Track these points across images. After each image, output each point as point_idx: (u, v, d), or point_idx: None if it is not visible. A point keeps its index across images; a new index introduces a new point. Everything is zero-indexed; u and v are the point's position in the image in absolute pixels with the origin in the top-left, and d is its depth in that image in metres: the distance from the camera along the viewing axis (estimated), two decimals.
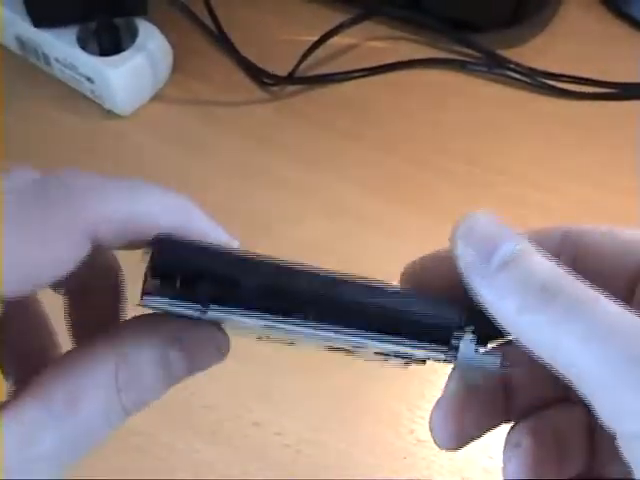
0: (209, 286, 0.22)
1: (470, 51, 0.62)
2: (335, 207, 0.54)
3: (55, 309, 0.26)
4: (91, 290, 0.25)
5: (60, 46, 0.56)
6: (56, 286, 0.25)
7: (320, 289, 0.23)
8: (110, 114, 0.58)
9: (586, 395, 0.20)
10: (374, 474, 0.44)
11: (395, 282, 0.25)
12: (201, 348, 0.23)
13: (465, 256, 0.22)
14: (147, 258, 0.22)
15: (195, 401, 0.46)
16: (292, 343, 0.26)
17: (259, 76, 0.60)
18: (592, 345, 0.20)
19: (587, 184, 0.55)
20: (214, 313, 0.22)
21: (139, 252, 0.23)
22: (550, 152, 0.57)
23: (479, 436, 0.26)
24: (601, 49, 0.63)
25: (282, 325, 0.23)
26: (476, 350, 0.23)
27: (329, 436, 0.45)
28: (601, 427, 0.20)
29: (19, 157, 0.52)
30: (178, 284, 0.22)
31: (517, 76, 0.61)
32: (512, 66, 0.61)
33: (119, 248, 0.23)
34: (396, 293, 0.23)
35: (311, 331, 0.23)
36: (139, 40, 0.56)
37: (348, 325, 0.23)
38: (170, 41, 0.58)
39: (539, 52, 0.63)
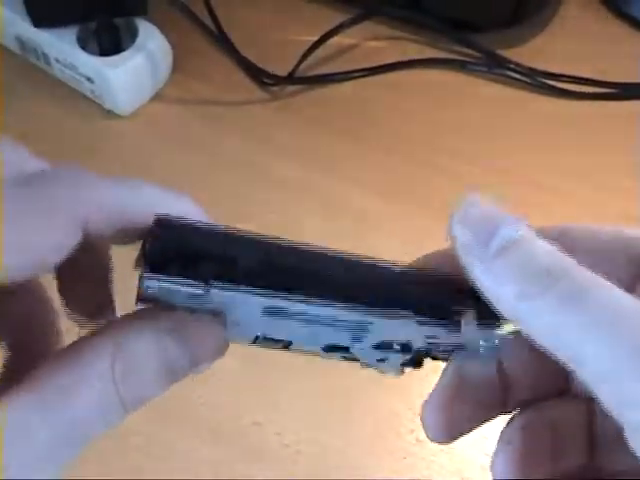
0: (211, 264, 0.22)
1: (470, 51, 0.62)
2: (335, 207, 0.54)
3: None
4: (81, 274, 0.25)
5: (60, 46, 0.56)
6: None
7: (322, 265, 0.23)
8: (110, 114, 0.58)
9: (590, 384, 0.20)
10: (374, 474, 0.44)
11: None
12: (200, 340, 0.22)
13: (462, 239, 0.22)
14: (143, 244, 0.22)
15: (195, 401, 0.46)
16: (286, 347, 0.25)
17: (259, 76, 0.60)
18: (596, 333, 0.19)
19: (587, 184, 0.55)
20: (216, 292, 0.22)
21: (135, 253, 0.23)
22: (550, 152, 0.57)
23: (473, 429, 0.25)
24: (601, 49, 0.63)
25: (284, 303, 0.22)
26: (478, 325, 0.23)
27: (329, 436, 0.45)
28: (601, 419, 0.20)
29: None
30: (179, 263, 0.22)
31: (517, 76, 0.61)
32: (512, 66, 0.61)
33: (112, 240, 0.23)
34: (401, 272, 0.23)
35: (314, 308, 0.23)
36: (139, 40, 0.56)
37: (352, 301, 0.23)
38: (170, 41, 0.58)
39: (539, 52, 0.63)
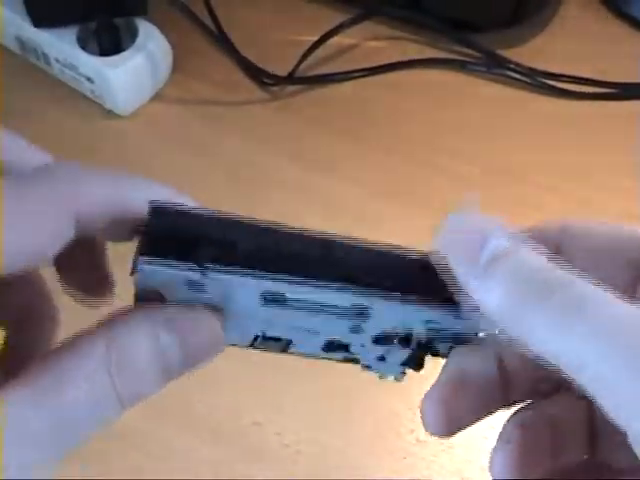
0: (207, 247, 0.22)
1: (470, 51, 0.62)
2: (335, 207, 0.54)
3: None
4: (77, 265, 0.25)
5: (60, 46, 0.56)
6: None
7: (320, 248, 0.23)
8: (110, 114, 0.58)
9: (591, 394, 0.20)
10: (374, 474, 0.44)
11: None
12: (194, 333, 0.22)
13: (452, 253, 0.22)
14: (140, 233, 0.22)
15: (195, 401, 0.46)
16: (286, 349, 0.25)
17: (259, 76, 0.60)
18: (595, 342, 0.19)
19: (587, 184, 0.55)
20: (213, 276, 0.22)
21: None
22: (550, 152, 0.57)
23: (473, 423, 0.25)
24: (601, 49, 0.63)
25: (282, 286, 0.22)
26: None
27: (329, 436, 0.45)
28: (602, 415, 0.20)
29: None
30: (175, 247, 0.22)
31: (517, 76, 0.61)
32: (512, 66, 0.61)
33: (108, 235, 0.23)
34: (400, 255, 0.24)
35: (312, 291, 0.23)
36: (139, 40, 0.56)
37: (351, 283, 0.23)
38: (170, 41, 0.58)
39: (539, 52, 0.63)
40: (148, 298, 0.22)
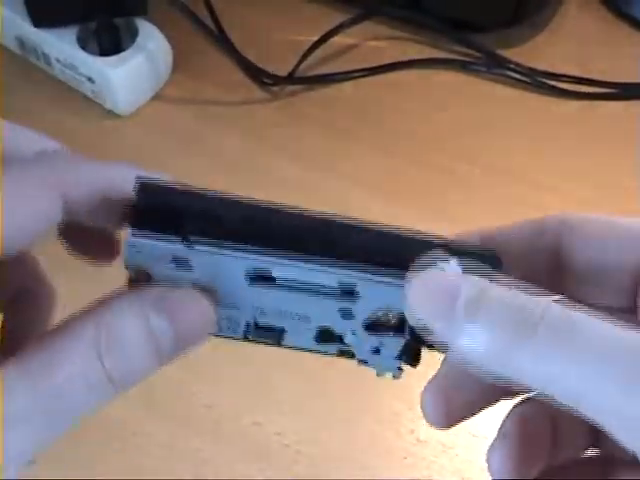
0: (193, 221, 0.22)
1: (470, 51, 0.62)
2: (335, 207, 0.53)
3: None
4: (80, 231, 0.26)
5: (60, 46, 0.56)
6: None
7: (307, 225, 0.23)
8: (110, 114, 0.58)
9: (593, 420, 0.20)
10: (374, 474, 0.44)
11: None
12: (184, 312, 0.22)
13: (426, 311, 0.21)
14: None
15: (195, 401, 0.46)
16: (279, 341, 0.25)
17: (259, 76, 0.60)
18: (587, 371, 0.19)
19: (587, 184, 0.55)
20: (199, 248, 0.22)
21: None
22: (550, 152, 0.57)
23: (474, 414, 0.25)
24: (601, 49, 0.63)
25: (268, 262, 0.23)
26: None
27: (329, 436, 0.45)
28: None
29: None
30: (162, 221, 0.22)
31: (517, 76, 0.61)
32: (512, 66, 0.61)
33: (95, 220, 0.23)
34: (384, 232, 0.23)
35: (298, 268, 0.23)
36: (139, 40, 0.56)
37: (338, 258, 0.23)
38: (170, 41, 0.58)
39: (539, 52, 0.63)
40: (139, 281, 0.23)
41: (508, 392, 0.26)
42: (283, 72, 0.59)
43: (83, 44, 0.56)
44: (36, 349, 0.21)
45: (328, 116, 0.58)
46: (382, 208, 0.54)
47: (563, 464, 0.26)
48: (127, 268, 0.23)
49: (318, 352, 0.26)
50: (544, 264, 0.25)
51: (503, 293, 0.21)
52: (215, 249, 0.22)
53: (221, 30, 0.61)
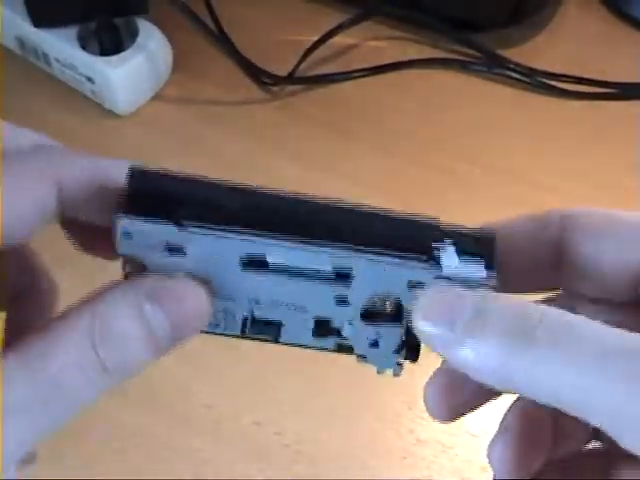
0: (185, 206, 0.22)
1: (470, 51, 0.62)
2: None
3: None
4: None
5: (60, 46, 0.56)
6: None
7: (300, 208, 0.23)
8: (110, 114, 0.58)
9: (594, 422, 0.20)
10: (374, 474, 0.44)
11: None
12: (179, 301, 0.22)
13: (431, 331, 0.22)
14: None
15: (195, 401, 0.46)
16: (277, 338, 0.25)
17: (259, 76, 0.60)
18: (587, 372, 0.19)
19: (587, 184, 0.55)
20: (192, 230, 0.22)
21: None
22: (550, 152, 0.57)
23: (476, 408, 0.25)
24: (601, 49, 0.63)
25: (260, 245, 0.23)
26: (460, 260, 0.23)
27: (329, 436, 0.45)
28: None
29: None
30: (154, 207, 0.22)
31: (517, 76, 0.61)
32: (512, 66, 0.61)
33: (90, 212, 0.24)
34: (380, 214, 0.24)
35: (291, 251, 0.23)
36: (139, 40, 0.56)
37: (332, 240, 0.23)
38: (170, 41, 0.58)
39: (539, 52, 0.63)
40: (135, 272, 0.23)
41: None
42: (283, 72, 0.59)
43: (83, 44, 0.56)
44: (34, 339, 0.21)
45: (328, 116, 0.58)
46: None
47: (564, 458, 0.26)
48: (122, 258, 0.23)
49: (316, 348, 0.25)
50: (546, 258, 0.25)
51: (502, 304, 0.21)
52: (208, 231, 0.22)
53: (221, 30, 0.61)
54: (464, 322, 0.21)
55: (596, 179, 0.56)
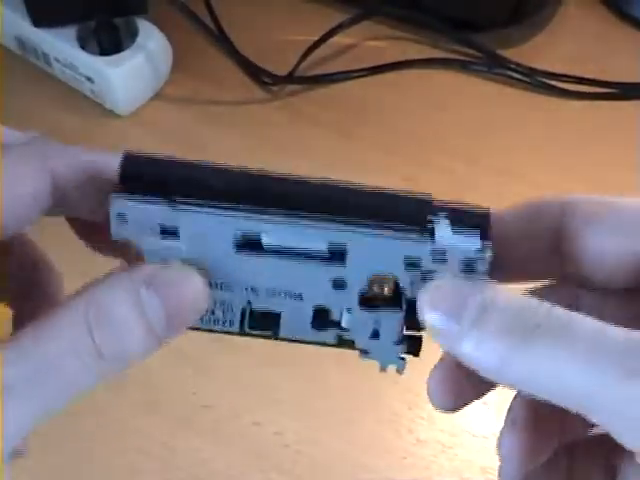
0: (179, 186, 0.23)
1: (470, 51, 0.62)
2: None
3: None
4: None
5: (60, 46, 0.56)
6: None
7: (293, 187, 0.23)
8: (110, 114, 0.58)
9: (596, 421, 0.20)
10: (374, 474, 0.44)
11: None
12: (175, 287, 0.22)
13: (436, 323, 0.22)
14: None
15: (195, 401, 0.46)
16: (276, 335, 0.25)
17: (259, 76, 0.60)
18: (588, 373, 0.20)
19: (587, 184, 0.55)
20: (185, 208, 0.22)
21: None
22: (550, 152, 0.57)
23: (480, 396, 0.25)
24: (601, 49, 0.63)
25: (254, 223, 0.23)
26: (453, 232, 0.23)
27: (329, 436, 0.45)
28: None
29: None
30: (147, 186, 0.23)
31: (517, 76, 0.61)
32: (512, 66, 0.61)
33: (85, 205, 0.24)
34: (367, 189, 0.24)
35: (285, 230, 0.23)
36: (139, 40, 0.56)
37: (325, 216, 0.23)
38: (170, 41, 0.58)
39: (539, 52, 0.63)
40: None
41: None
42: (283, 72, 0.59)
43: (83, 44, 0.56)
44: (33, 326, 0.21)
45: (328, 116, 0.58)
46: None
47: (569, 444, 0.26)
48: (116, 241, 0.23)
49: (317, 343, 0.25)
50: (546, 244, 0.25)
51: (506, 299, 0.21)
52: (201, 208, 0.23)
53: (221, 30, 0.61)
54: (470, 315, 0.21)
55: (596, 179, 0.55)
